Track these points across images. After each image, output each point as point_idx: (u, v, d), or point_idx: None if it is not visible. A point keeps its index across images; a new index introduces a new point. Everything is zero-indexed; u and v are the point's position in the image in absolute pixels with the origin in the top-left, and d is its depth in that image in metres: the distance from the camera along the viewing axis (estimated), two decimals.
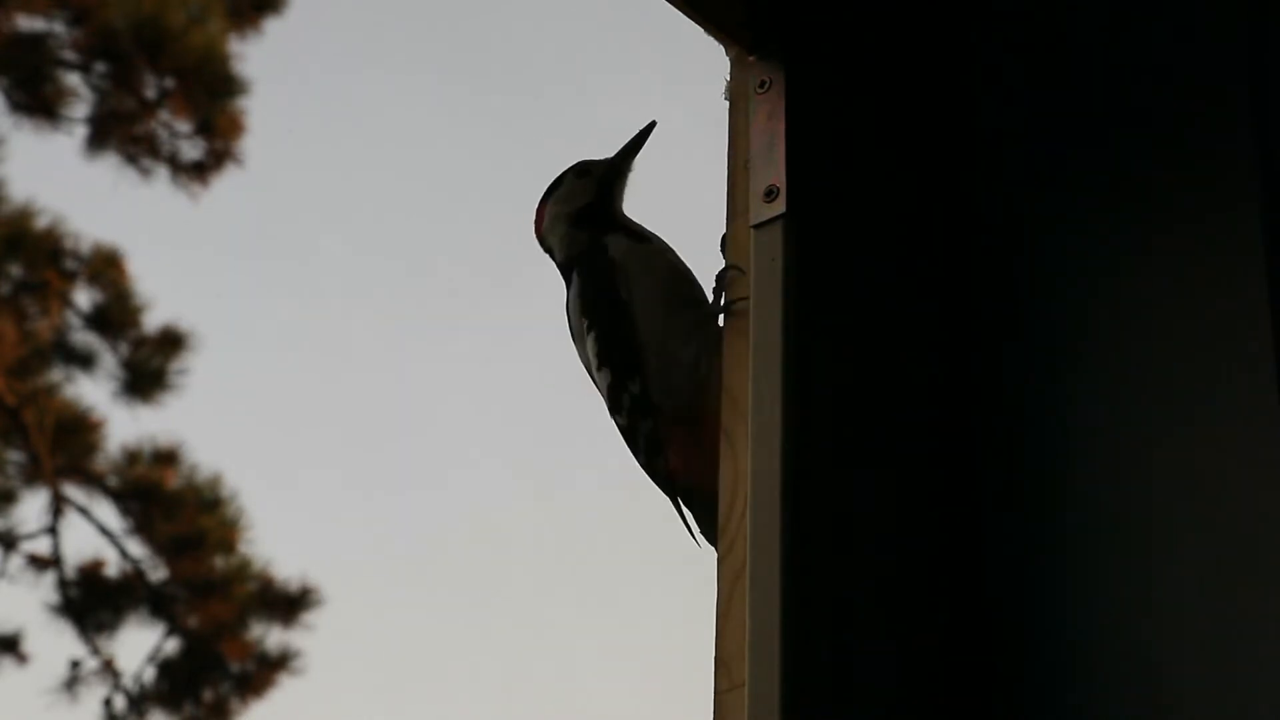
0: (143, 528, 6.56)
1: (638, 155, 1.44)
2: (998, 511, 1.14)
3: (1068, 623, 1.09)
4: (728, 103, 1.23)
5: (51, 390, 6.53)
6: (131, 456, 6.58)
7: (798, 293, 1.11)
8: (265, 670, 6.58)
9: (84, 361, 6.60)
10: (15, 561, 6.54)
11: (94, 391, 6.64)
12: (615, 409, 1.35)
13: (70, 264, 6.53)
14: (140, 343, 6.61)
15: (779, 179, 1.14)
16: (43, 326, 6.52)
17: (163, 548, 6.54)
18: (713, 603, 1.11)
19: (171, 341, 6.62)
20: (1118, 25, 1.20)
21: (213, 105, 6.48)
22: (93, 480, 6.57)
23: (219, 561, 6.58)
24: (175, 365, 6.62)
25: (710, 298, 1.25)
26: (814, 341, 1.11)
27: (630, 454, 1.37)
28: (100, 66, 6.49)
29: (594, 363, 1.37)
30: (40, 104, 6.43)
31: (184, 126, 6.55)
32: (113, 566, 6.59)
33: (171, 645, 6.60)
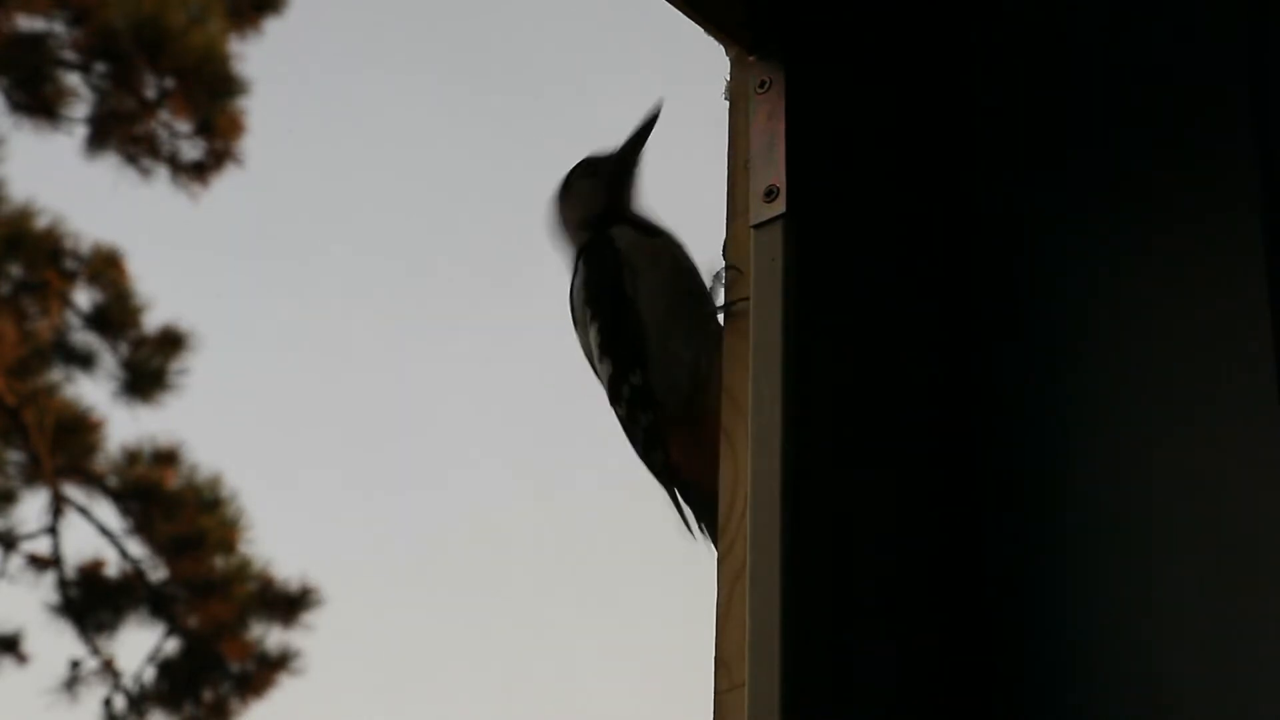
0: (143, 528, 6.56)
1: (646, 143, 1.43)
2: (998, 511, 1.14)
3: (1068, 623, 1.09)
4: (728, 103, 1.23)
5: (51, 390, 6.53)
6: (131, 456, 6.58)
7: (798, 293, 1.11)
8: (265, 670, 6.58)
9: (84, 361, 6.60)
10: (15, 561, 6.55)
11: (94, 391, 6.64)
12: (615, 399, 1.35)
13: (70, 264, 6.53)
14: (140, 343, 6.61)
15: (779, 179, 1.14)
16: (43, 326, 6.52)
17: (163, 548, 6.54)
18: (713, 603, 1.11)
19: (171, 341, 6.63)
20: (1118, 25, 1.20)
21: (213, 105, 6.48)
22: (93, 480, 6.57)
23: (219, 561, 6.58)
24: (175, 365, 6.62)
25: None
26: (814, 341, 1.11)
27: (628, 446, 1.37)
28: (100, 66, 6.49)
29: (596, 353, 1.37)
30: (40, 104, 6.43)
31: (184, 126, 6.56)
32: (113, 566, 6.59)
33: (171, 645, 6.60)
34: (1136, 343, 1.12)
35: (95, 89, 6.52)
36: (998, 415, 1.17)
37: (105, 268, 6.55)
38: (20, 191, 6.49)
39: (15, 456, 6.48)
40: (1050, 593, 1.10)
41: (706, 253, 1.34)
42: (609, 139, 1.47)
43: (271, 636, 6.63)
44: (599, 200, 1.42)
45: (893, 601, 1.10)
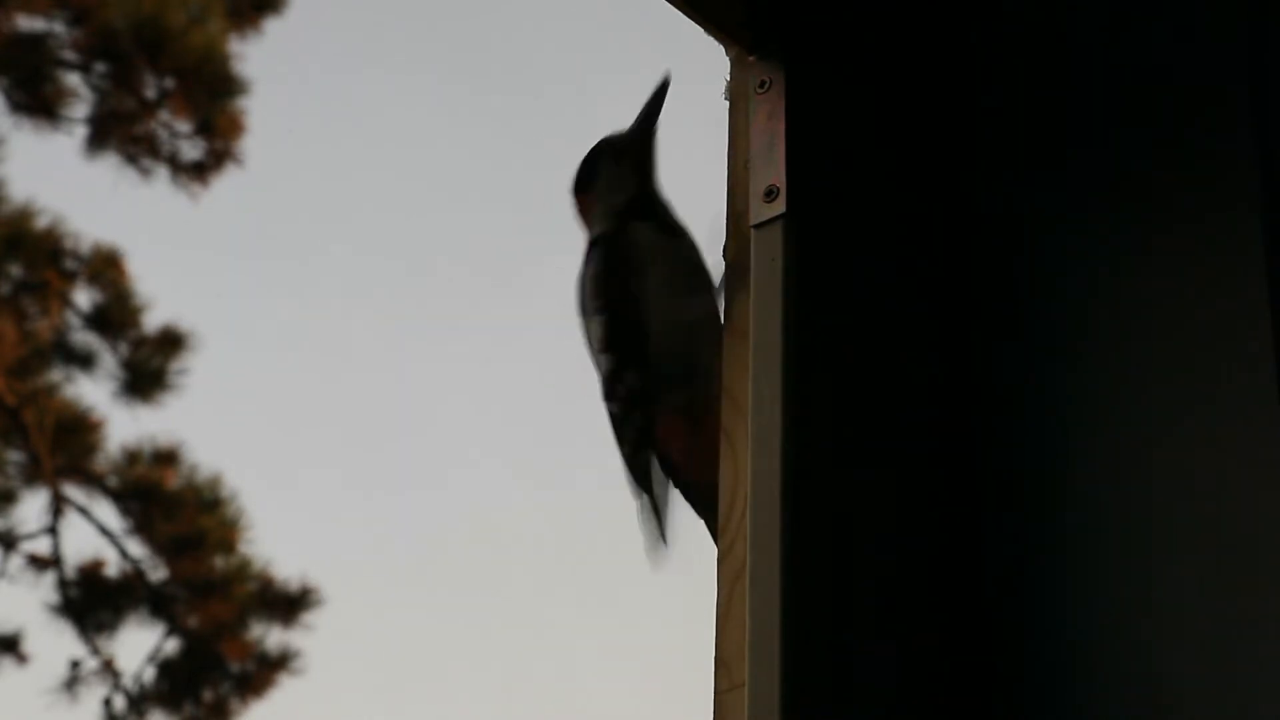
0: (143, 528, 6.56)
1: (660, 117, 1.40)
2: (998, 511, 1.14)
3: (1068, 623, 1.09)
4: (728, 103, 1.23)
5: (51, 390, 6.53)
6: (131, 456, 6.59)
7: (798, 293, 1.11)
8: (265, 670, 6.58)
9: (84, 361, 6.60)
10: (15, 561, 6.55)
11: (94, 391, 6.65)
12: (610, 396, 1.35)
13: (70, 264, 6.53)
14: (140, 343, 6.61)
15: (779, 179, 1.14)
16: (43, 326, 6.52)
17: (163, 548, 6.54)
18: (713, 603, 1.11)
19: (171, 341, 6.63)
20: (1118, 25, 1.20)
21: (213, 105, 6.49)
22: (93, 480, 6.57)
23: (219, 561, 6.58)
24: (175, 365, 6.62)
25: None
26: (814, 341, 1.11)
27: (616, 446, 1.36)
28: (100, 66, 6.49)
29: (597, 345, 1.36)
30: (40, 104, 6.43)
31: (184, 126, 6.56)
32: (113, 566, 6.60)
33: (171, 645, 6.60)
34: (1136, 343, 1.12)
35: (95, 89, 6.52)
36: (998, 415, 1.17)
37: (105, 268, 6.56)
38: (20, 191, 6.50)
39: (15, 456, 6.48)
40: (1050, 593, 1.10)
41: (709, 253, 1.34)
42: None
43: (271, 636, 6.64)
44: (630, 183, 1.39)
45: (893, 601, 1.10)
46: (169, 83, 6.48)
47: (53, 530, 6.55)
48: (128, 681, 6.52)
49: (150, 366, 6.58)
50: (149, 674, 6.56)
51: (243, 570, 6.59)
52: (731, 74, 1.23)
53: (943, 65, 1.26)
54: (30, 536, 6.56)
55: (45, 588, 6.53)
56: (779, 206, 1.13)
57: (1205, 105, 1.13)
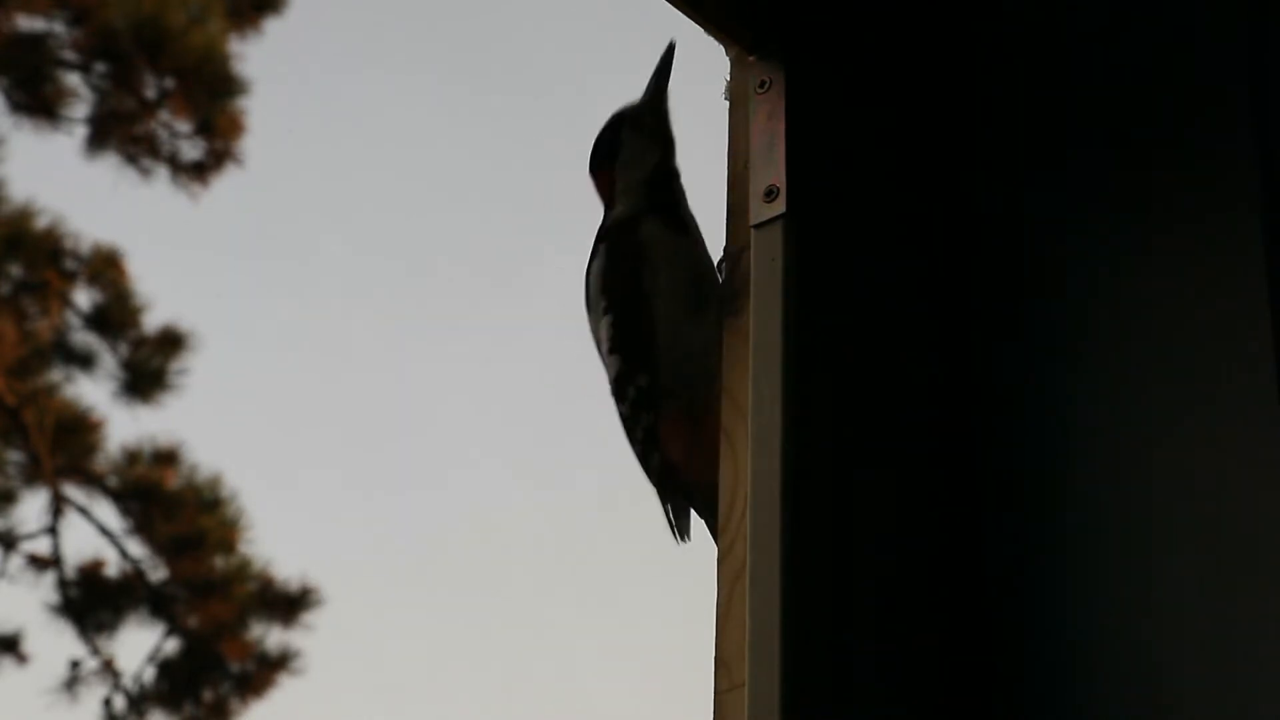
0: (143, 528, 6.56)
1: (669, 84, 1.38)
2: (998, 511, 1.14)
3: (1068, 623, 1.09)
4: (728, 103, 1.23)
5: (51, 390, 6.53)
6: (131, 456, 6.59)
7: (798, 293, 1.11)
8: (265, 670, 6.58)
9: (84, 361, 6.60)
10: (15, 561, 6.55)
11: (94, 391, 6.65)
12: (619, 397, 1.34)
13: (70, 264, 6.53)
14: (140, 343, 6.61)
15: (779, 179, 1.14)
16: (43, 326, 6.52)
17: (163, 548, 6.54)
18: (713, 603, 1.11)
19: (171, 341, 6.63)
20: (1118, 25, 1.20)
21: (213, 105, 6.49)
22: (93, 480, 6.57)
23: (219, 561, 6.58)
24: (175, 365, 6.62)
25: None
26: (814, 341, 1.11)
27: (627, 444, 1.36)
28: (100, 66, 6.49)
29: (605, 345, 1.35)
30: (40, 104, 6.43)
31: (184, 126, 6.56)
32: (113, 566, 6.60)
33: (171, 645, 6.60)
34: (1136, 343, 1.12)
35: (95, 89, 6.52)
36: (998, 415, 1.17)
37: (105, 268, 6.55)
38: (20, 191, 6.50)
39: (15, 456, 6.48)
40: (1050, 593, 1.10)
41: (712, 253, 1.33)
42: None
43: (271, 636, 6.63)
44: (653, 152, 1.37)
45: (893, 601, 1.10)
46: (169, 83, 6.48)
47: (53, 530, 6.55)
48: (128, 681, 6.52)
49: (150, 366, 6.58)
50: (149, 674, 6.56)
51: (243, 570, 6.59)
52: (731, 74, 1.23)
53: (943, 65, 1.26)
54: (30, 536, 6.56)
55: (45, 588, 6.54)
56: (779, 206, 1.13)
57: (1205, 105, 1.13)
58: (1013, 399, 1.16)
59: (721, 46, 1.23)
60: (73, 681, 6.46)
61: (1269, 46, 1.12)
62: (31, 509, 6.54)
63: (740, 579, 1.07)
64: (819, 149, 1.16)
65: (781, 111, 1.15)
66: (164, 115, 6.52)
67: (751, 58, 1.19)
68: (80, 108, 6.51)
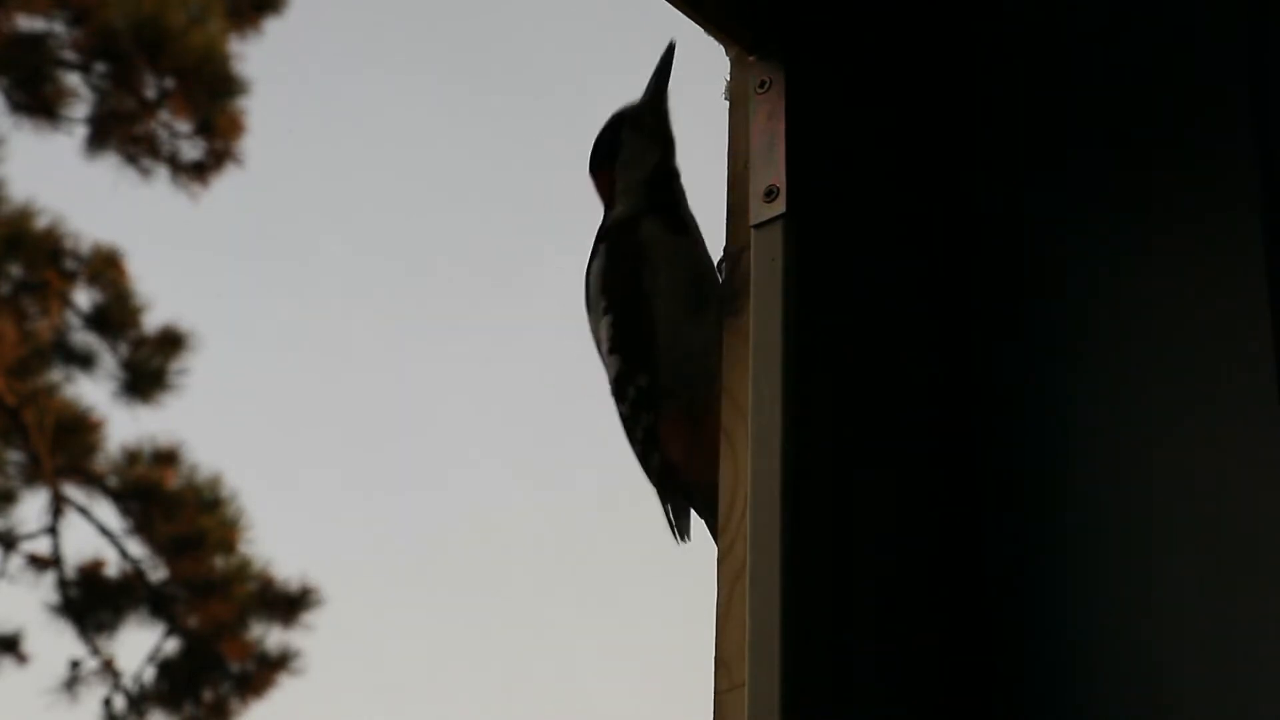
0: (143, 528, 6.56)
1: (669, 84, 1.38)
2: (998, 511, 1.14)
3: (1068, 623, 1.09)
4: (728, 103, 1.23)
5: (51, 390, 6.53)
6: (131, 456, 6.59)
7: (798, 293, 1.11)
8: (265, 670, 6.58)
9: (84, 361, 6.60)
10: (15, 561, 6.55)
11: (94, 391, 6.65)
12: (619, 397, 1.34)
13: (70, 264, 6.53)
14: (140, 343, 6.61)
15: (779, 179, 1.14)
16: (43, 326, 6.52)
17: (163, 548, 6.54)
18: (713, 603, 1.11)
19: (171, 341, 6.63)
20: (1118, 25, 1.20)
21: (213, 105, 6.49)
22: (93, 480, 6.57)
23: (219, 561, 6.58)
24: (175, 365, 6.62)
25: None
26: (814, 341, 1.11)
27: (627, 444, 1.36)
28: (100, 66, 6.49)
29: (605, 345, 1.35)
30: (40, 104, 6.43)
31: (184, 126, 6.56)
32: (113, 566, 6.60)
33: (171, 645, 6.60)
34: (1136, 343, 1.12)
35: (95, 89, 6.52)
36: (998, 415, 1.17)
37: (105, 268, 6.56)
38: (20, 191, 6.50)
39: (15, 456, 6.48)
40: (1050, 593, 1.10)
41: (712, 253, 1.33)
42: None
43: (271, 636, 6.63)
44: (653, 151, 1.37)
45: (893, 601, 1.10)
46: (169, 83, 6.48)
47: (53, 530, 6.55)
48: (128, 681, 6.53)
49: (150, 366, 6.58)
50: (149, 674, 6.56)
51: (243, 570, 6.59)
52: (731, 74, 1.23)
53: (943, 65, 1.26)
54: (30, 536, 6.56)
55: (45, 588, 6.54)
56: (779, 206, 1.13)
57: (1205, 105, 1.13)
58: (1013, 399, 1.16)
59: (721, 46, 1.23)
60: (73, 681, 6.46)
61: (1269, 46, 1.12)
62: (31, 509, 6.54)
63: (740, 579, 1.07)
64: (819, 149, 1.16)
65: (781, 111, 1.15)
66: (164, 115, 6.52)
67: (751, 58, 1.19)
68: (80, 108, 6.51)
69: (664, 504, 1.35)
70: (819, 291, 1.13)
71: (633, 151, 1.38)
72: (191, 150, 6.58)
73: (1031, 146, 1.21)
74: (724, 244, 1.26)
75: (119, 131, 6.51)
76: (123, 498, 6.55)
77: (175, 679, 6.54)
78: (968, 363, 1.18)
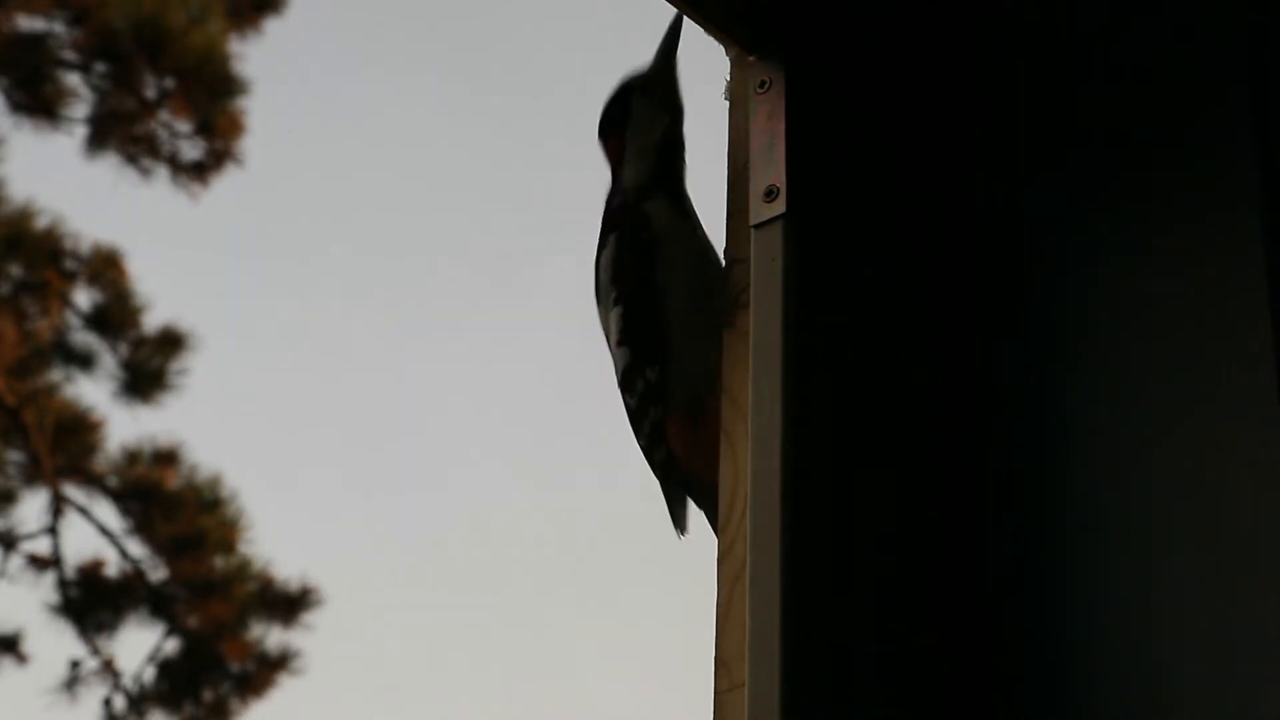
0: (143, 528, 6.56)
1: (677, 53, 1.37)
2: (998, 511, 1.14)
3: (1068, 623, 1.09)
4: (728, 103, 1.23)
5: (51, 390, 6.53)
6: (131, 456, 6.59)
7: (798, 293, 1.11)
8: (265, 670, 6.58)
9: (84, 361, 6.60)
10: (15, 561, 6.55)
11: (94, 391, 6.65)
12: (628, 389, 1.33)
13: (70, 264, 6.53)
14: (140, 343, 6.61)
15: (779, 179, 1.14)
16: (43, 326, 6.52)
17: (163, 548, 6.54)
18: (713, 603, 1.11)
19: (171, 341, 6.63)
20: (1118, 25, 1.20)
21: (213, 105, 6.49)
22: (93, 480, 6.57)
23: (219, 561, 6.58)
24: (175, 365, 6.62)
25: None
26: (814, 341, 1.11)
27: (631, 438, 1.35)
28: (100, 66, 6.49)
29: (614, 336, 1.34)
30: (40, 104, 6.43)
31: (184, 126, 6.56)
32: (113, 566, 6.60)
33: (171, 645, 6.60)
34: (1136, 343, 1.12)
35: (95, 89, 6.52)
36: (998, 415, 1.17)
37: (105, 268, 6.56)
38: (20, 191, 6.50)
39: (15, 456, 6.48)
40: (1050, 593, 1.10)
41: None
42: None
43: (271, 636, 6.63)
44: (663, 117, 1.36)
45: (893, 601, 1.10)
46: (169, 83, 6.48)
47: (53, 530, 6.55)
48: (128, 681, 6.53)
49: (150, 366, 6.58)
50: (149, 674, 6.56)
51: (243, 570, 6.59)
52: (731, 74, 1.23)
53: (943, 65, 1.26)
54: (30, 536, 6.56)
55: (45, 588, 6.54)
56: (779, 206, 1.13)
57: (1205, 105, 1.13)
58: (1013, 399, 1.16)
59: (721, 46, 1.23)
60: (73, 681, 6.46)
61: (1269, 46, 1.12)
62: (31, 509, 6.54)
63: (740, 579, 1.07)
64: (819, 149, 1.16)
65: (781, 111, 1.15)
66: (164, 115, 6.52)
67: (751, 58, 1.19)
68: (80, 108, 6.52)
69: (667, 497, 1.35)
70: (819, 291, 1.13)
71: (642, 118, 1.37)
72: (191, 150, 6.58)
73: (1031, 146, 1.21)
74: (724, 244, 1.26)
75: (119, 131, 6.51)
76: (123, 498, 6.55)
77: (175, 679, 6.54)
78: (968, 363, 1.18)
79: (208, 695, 6.55)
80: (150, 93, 6.50)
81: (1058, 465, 1.13)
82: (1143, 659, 1.05)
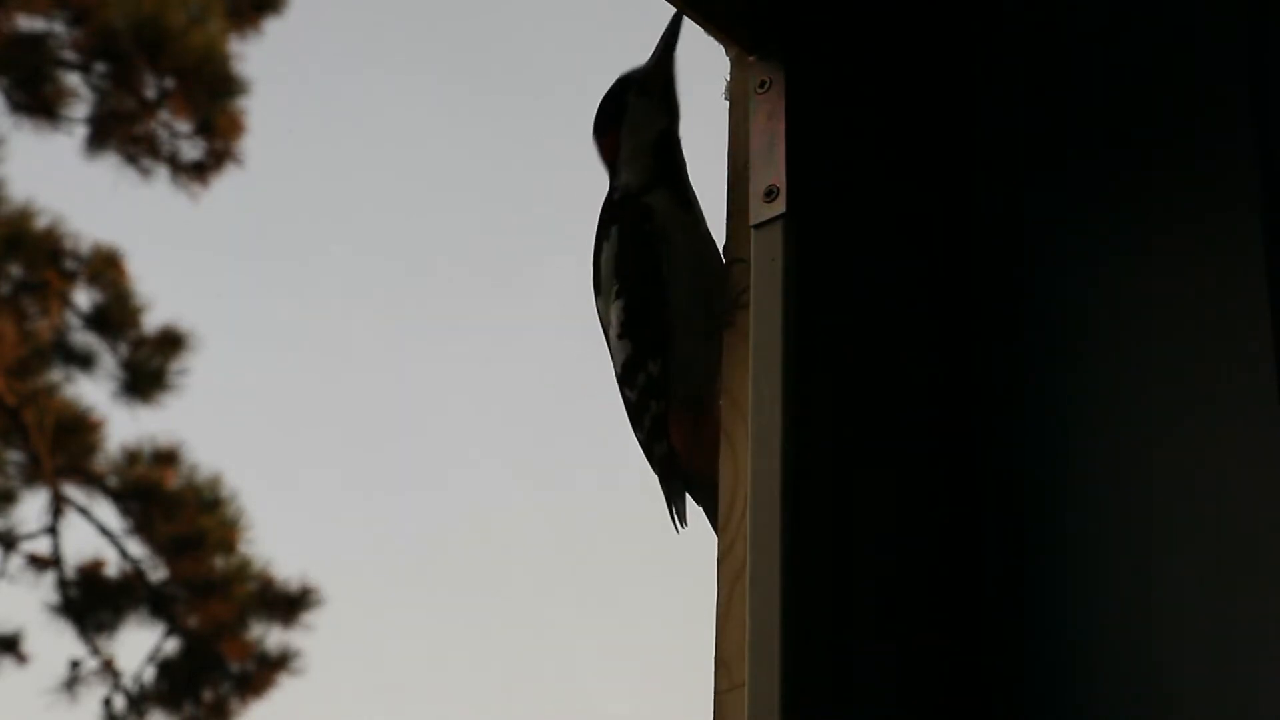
0: (143, 528, 6.56)
1: (676, 51, 1.36)
2: (998, 511, 1.14)
3: (1068, 623, 1.09)
4: (728, 103, 1.23)
5: (51, 390, 6.53)
6: (131, 456, 6.59)
7: (798, 293, 1.11)
8: (265, 670, 6.58)
9: (84, 361, 6.60)
10: (15, 561, 6.55)
11: (94, 391, 6.65)
12: (628, 383, 1.33)
13: (70, 264, 6.53)
14: (140, 343, 6.61)
15: (779, 179, 1.14)
16: (43, 326, 6.52)
17: (163, 548, 6.54)
18: (713, 603, 1.11)
19: (171, 341, 6.63)
20: (1118, 26, 1.20)
21: (213, 105, 6.49)
22: (93, 480, 6.58)
23: (219, 561, 6.58)
24: (175, 365, 6.63)
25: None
26: (814, 341, 1.11)
27: (630, 433, 1.35)
28: (100, 66, 6.49)
29: (615, 330, 1.33)
30: (40, 104, 6.43)
31: (184, 126, 6.56)
32: (113, 566, 6.60)
33: (171, 645, 6.61)
34: (1136, 343, 1.12)
35: (95, 89, 6.52)
36: (998, 415, 1.17)
37: (105, 268, 6.56)
38: (20, 191, 6.50)
39: (15, 456, 6.48)
40: (1050, 593, 1.10)
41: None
42: None
43: (271, 636, 6.64)
44: (659, 116, 1.36)
45: (893, 601, 1.10)
46: (169, 83, 6.48)
47: (53, 530, 6.55)
48: (128, 681, 6.53)
49: (150, 366, 6.58)
50: (149, 674, 6.56)
51: (243, 570, 6.59)
52: (731, 74, 1.23)
53: (943, 65, 1.26)
54: (30, 536, 6.56)
55: (45, 588, 6.54)
56: (779, 206, 1.13)
57: (1205, 105, 1.13)
58: (1013, 399, 1.16)
59: (721, 46, 1.23)
60: (73, 681, 6.46)
61: (1269, 46, 1.12)
62: (31, 509, 6.55)
63: (740, 579, 1.07)
64: (819, 149, 1.16)
65: (781, 111, 1.15)
66: (164, 115, 6.52)
67: (751, 58, 1.19)
68: (80, 108, 6.52)
69: (666, 493, 1.34)
70: (819, 291, 1.13)
71: (639, 116, 1.36)
72: (191, 150, 6.58)
73: (1031, 146, 1.21)
74: (724, 244, 1.26)
75: (119, 131, 6.51)
76: (123, 498, 6.55)
77: (175, 679, 6.54)
78: (968, 363, 1.18)
79: (208, 695, 6.55)
80: (150, 93, 6.50)
81: (1058, 465, 1.13)
82: (1143, 659, 1.05)
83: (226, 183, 6.61)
